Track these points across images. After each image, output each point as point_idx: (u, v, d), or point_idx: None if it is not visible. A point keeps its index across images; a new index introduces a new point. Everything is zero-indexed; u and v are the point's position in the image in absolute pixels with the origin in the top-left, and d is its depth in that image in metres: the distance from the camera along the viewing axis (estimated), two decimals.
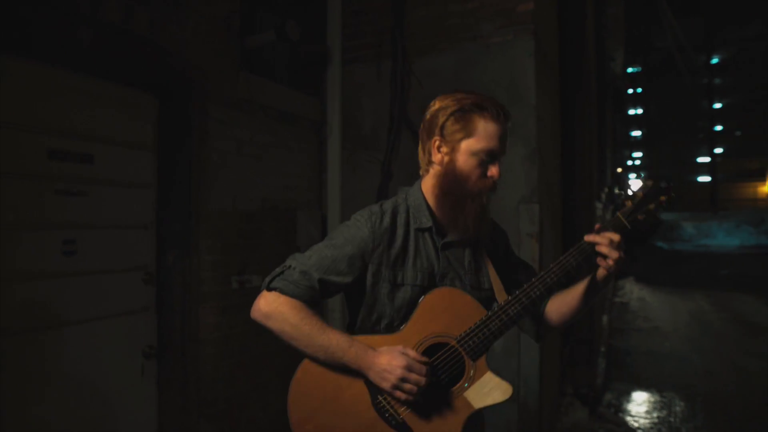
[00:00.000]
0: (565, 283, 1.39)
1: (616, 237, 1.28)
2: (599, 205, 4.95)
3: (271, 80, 3.39)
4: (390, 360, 1.25)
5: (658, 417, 4.43)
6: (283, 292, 1.31)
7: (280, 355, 3.21)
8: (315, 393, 1.33)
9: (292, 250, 3.30)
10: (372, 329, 1.41)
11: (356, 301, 1.44)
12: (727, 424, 4.30)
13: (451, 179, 1.35)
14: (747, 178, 37.03)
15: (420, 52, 3.45)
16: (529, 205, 3.17)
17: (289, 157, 3.41)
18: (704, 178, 39.27)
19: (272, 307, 1.30)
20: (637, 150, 41.03)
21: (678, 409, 4.61)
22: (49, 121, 2.31)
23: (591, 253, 1.33)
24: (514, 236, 3.19)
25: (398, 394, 1.25)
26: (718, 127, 38.82)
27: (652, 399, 4.83)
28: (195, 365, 2.79)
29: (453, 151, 1.36)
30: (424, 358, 1.28)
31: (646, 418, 4.42)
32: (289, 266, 1.34)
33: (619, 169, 18.66)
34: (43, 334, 2.29)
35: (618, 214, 1.34)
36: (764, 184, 37.01)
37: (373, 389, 1.31)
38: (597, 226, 1.35)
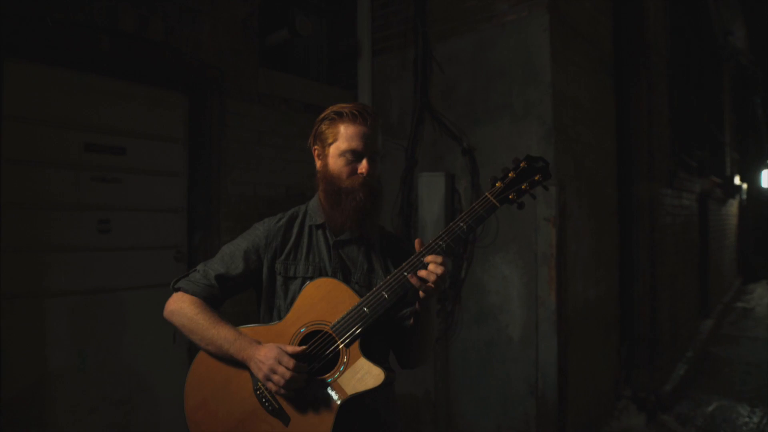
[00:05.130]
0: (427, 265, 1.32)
1: (438, 259, 1.28)
2: (668, 191, 4.47)
3: (305, 76, 3.61)
4: (266, 353, 1.31)
5: (732, 431, 3.94)
6: (185, 290, 1.45)
7: None
8: (207, 382, 1.44)
9: None
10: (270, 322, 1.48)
11: (259, 297, 1.55)
12: None
13: (327, 180, 1.46)
14: None
15: (440, 37, 3.45)
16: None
17: None
18: None
19: (176, 305, 1.44)
20: None
21: (765, 422, 4.05)
22: (84, 119, 2.72)
23: (460, 235, 1.32)
24: (531, 220, 3.08)
25: (269, 384, 1.31)
26: None
27: (735, 412, 4.28)
28: None
29: (326, 155, 1.47)
30: (298, 349, 1.32)
31: (718, 430, 3.95)
32: (195, 269, 1.50)
33: None
34: (81, 298, 2.70)
35: (486, 194, 1.34)
36: None
37: (255, 378, 1.39)
38: (461, 215, 1.34)
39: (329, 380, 1.32)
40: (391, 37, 3.72)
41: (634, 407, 3.83)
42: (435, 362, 3.49)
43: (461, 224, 1.32)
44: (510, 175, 1.33)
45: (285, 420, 1.33)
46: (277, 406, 1.34)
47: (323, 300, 1.37)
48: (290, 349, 1.31)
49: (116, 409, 2.81)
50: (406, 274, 1.31)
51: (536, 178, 1.33)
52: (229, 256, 1.49)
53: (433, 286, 1.28)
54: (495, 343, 3.24)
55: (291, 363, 1.28)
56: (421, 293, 1.32)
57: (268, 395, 1.35)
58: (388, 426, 1.52)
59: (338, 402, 1.30)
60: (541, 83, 3.03)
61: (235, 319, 1.45)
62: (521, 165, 1.33)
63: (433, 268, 1.27)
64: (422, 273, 1.28)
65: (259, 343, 1.36)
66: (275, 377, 1.28)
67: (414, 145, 3.56)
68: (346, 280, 1.45)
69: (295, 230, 1.52)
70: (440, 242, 1.31)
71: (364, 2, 3.74)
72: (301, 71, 3.72)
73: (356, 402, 1.33)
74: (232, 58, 3.09)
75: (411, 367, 1.54)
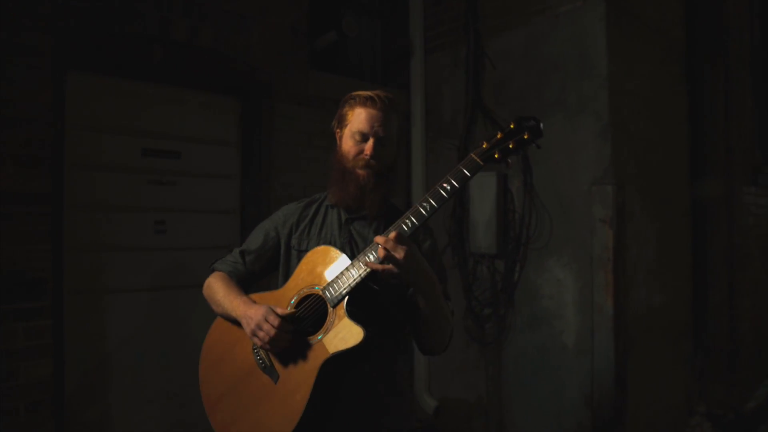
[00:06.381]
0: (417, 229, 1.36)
1: (391, 236, 1.28)
2: (751, 190, 4.05)
3: (358, 77, 3.61)
4: (256, 311, 1.40)
5: None
6: (216, 269, 1.66)
7: None
8: (217, 346, 1.56)
9: None
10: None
11: (279, 271, 1.64)
12: None
13: (339, 159, 1.57)
14: None
15: (492, 32, 3.33)
16: (601, 186, 2.85)
17: None
18: None
19: (206, 282, 1.63)
20: None
21: None
22: (141, 126, 2.86)
23: (445, 197, 1.31)
24: (587, 221, 2.92)
25: (255, 340, 1.40)
26: None
27: None
28: None
29: (342, 137, 1.58)
30: (287, 311, 1.40)
31: None
32: (230, 252, 1.70)
33: None
34: (138, 295, 2.85)
35: (471, 154, 1.34)
36: None
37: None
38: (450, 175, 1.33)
39: (315, 340, 1.37)
40: (442, 35, 3.64)
41: (708, 425, 3.53)
42: (487, 367, 3.39)
43: (445, 185, 1.32)
44: (498, 135, 1.32)
45: (275, 377, 1.41)
46: (268, 364, 1.42)
47: (319, 266, 1.45)
48: (279, 310, 1.39)
49: (171, 402, 2.94)
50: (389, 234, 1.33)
51: (525, 137, 1.29)
52: (253, 235, 1.66)
53: (381, 271, 1.30)
54: (548, 350, 3.08)
55: (276, 321, 1.35)
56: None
57: (262, 353, 1.44)
58: (390, 414, 1.50)
59: (321, 361, 1.35)
60: (596, 77, 2.85)
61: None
62: (510, 126, 1.31)
63: (378, 252, 1.29)
64: (370, 258, 1.33)
65: (254, 303, 1.46)
66: (260, 333, 1.36)
67: (466, 144, 3.46)
68: (354, 254, 1.50)
69: (312, 210, 1.64)
70: (425, 203, 1.32)
71: (416, 1, 3.69)
72: (354, 73, 3.72)
73: (355, 378, 1.42)
74: (281, 62, 3.15)
75: (423, 351, 1.55)
